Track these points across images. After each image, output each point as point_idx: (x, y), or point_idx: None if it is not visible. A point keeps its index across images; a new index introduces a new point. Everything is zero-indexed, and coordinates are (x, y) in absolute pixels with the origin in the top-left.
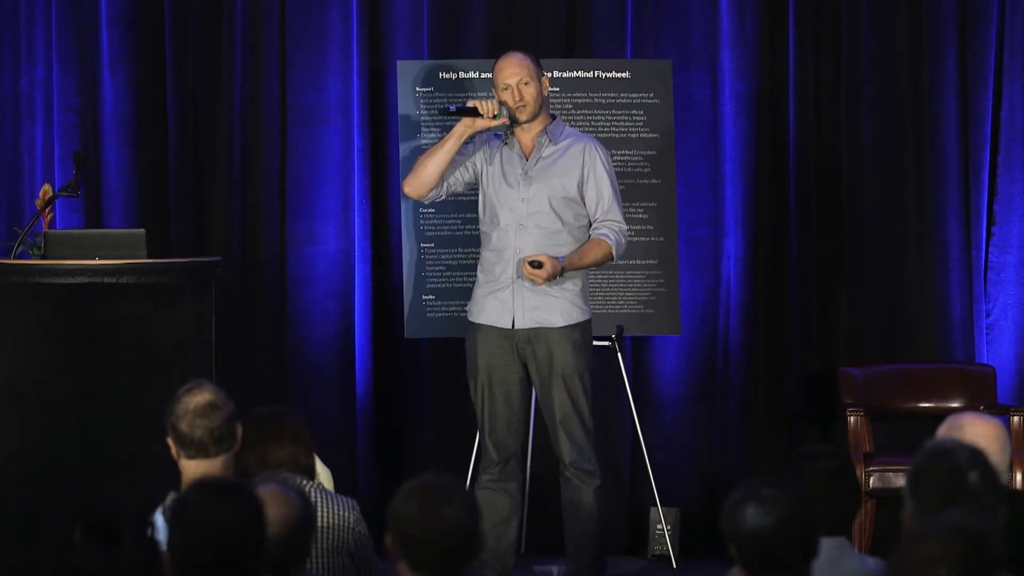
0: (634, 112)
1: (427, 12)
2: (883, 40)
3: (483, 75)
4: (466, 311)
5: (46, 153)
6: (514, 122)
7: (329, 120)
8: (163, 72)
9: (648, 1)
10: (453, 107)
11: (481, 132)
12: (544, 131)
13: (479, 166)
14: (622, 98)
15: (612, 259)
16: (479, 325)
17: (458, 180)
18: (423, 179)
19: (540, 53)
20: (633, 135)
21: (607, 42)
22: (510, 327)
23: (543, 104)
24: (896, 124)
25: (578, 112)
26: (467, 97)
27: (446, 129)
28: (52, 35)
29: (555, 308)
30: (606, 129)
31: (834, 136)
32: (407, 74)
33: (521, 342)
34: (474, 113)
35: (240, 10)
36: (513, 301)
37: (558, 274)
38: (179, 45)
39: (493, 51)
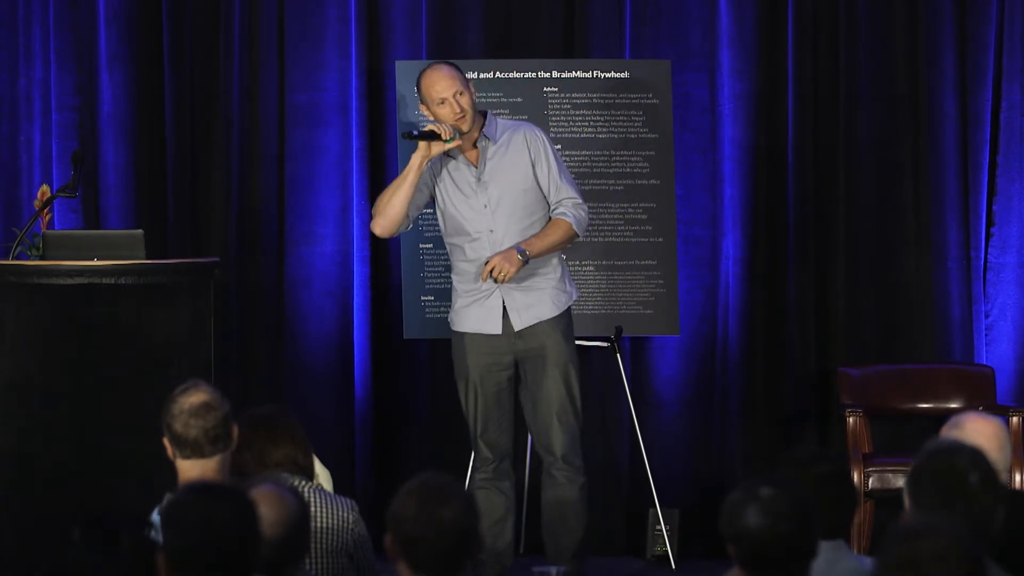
0: (633, 112)
1: (426, 12)
2: (882, 40)
3: (481, 75)
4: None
5: (44, 153)
6: (462, 135)
7: (327, 120)
8: (161, 72)
9: (646, 1)
10: (416, 132)
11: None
12: (482, 134)
13: (431, 185)
14: (621, 98)
15: (577, 235)
16: (464, 334)
17: (418, 205)
18: (392, 218)
19: (538, 53)
20: (632, 135)
21: (605, 42)
22: (501, 332)
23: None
24: (895, 124)
25: (576, 112)
26: (420, 123)
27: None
28: (50, 35)
29: (546, 300)
30: (605, 130)
31: (833, 136)
32: (406, 74)
33: (513, 342)
34: (433, 136)
35: (238, 10)
36: (504, 304)
37: (520, 259)
38: (177, 45)
39: (492, 51)
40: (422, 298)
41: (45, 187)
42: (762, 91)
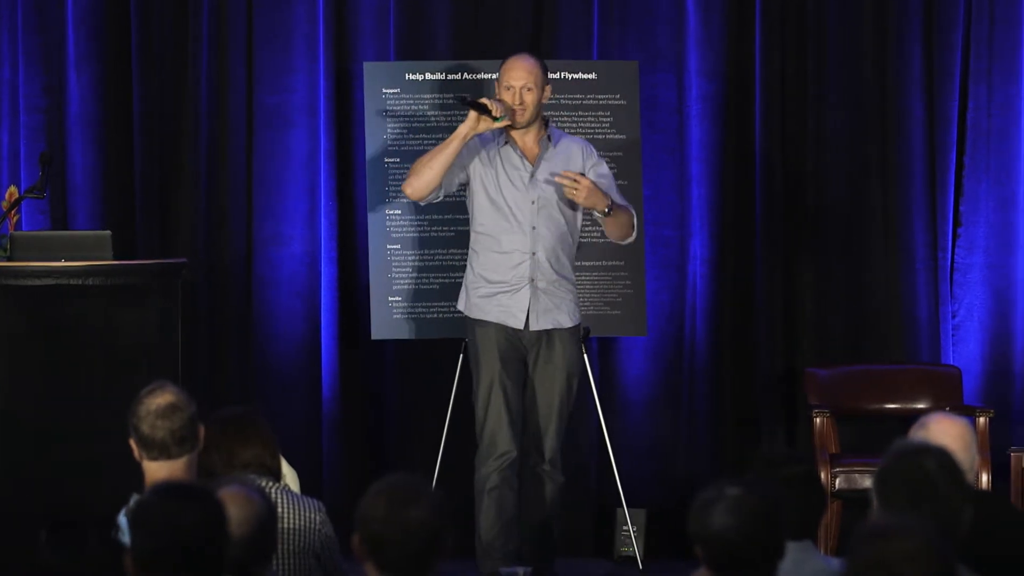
0: (600, 113)
1: (394, 13)
2: (849, 41)
3: (449, 76)
4: (452, 310)
5: (12, 154)
6: (511, 125)
7: (296, 121)
8: (129, 73)
9: (614, 2)
10: (470, 99)
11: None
12: (547, 135)
13: (473, 168)
14: (588, 99)
15: (632, 233)
16: (488, 323)
17: (453, 182)
18: (426, 181)
19: (506, 54)
20: (600, 136)
21: (573, 43)
22: (523, 328)
23: (539, 110)
24: (862, 125)
25: (544, 113)
26: (472, 94)
27: (412, 130)
28: (18, 36)
29: (564, 310)
30: (572, 130)
31: (800, 136)
32: (373, 75)
33: (529, 341)
34: (483, 110)
35: (206, 11)
36: (529, 303)
37: (605, 203)
38: (145, 46)
39: (460, 52)
40: (390, 299)
41: (13, 188)
42: (730, 92)
